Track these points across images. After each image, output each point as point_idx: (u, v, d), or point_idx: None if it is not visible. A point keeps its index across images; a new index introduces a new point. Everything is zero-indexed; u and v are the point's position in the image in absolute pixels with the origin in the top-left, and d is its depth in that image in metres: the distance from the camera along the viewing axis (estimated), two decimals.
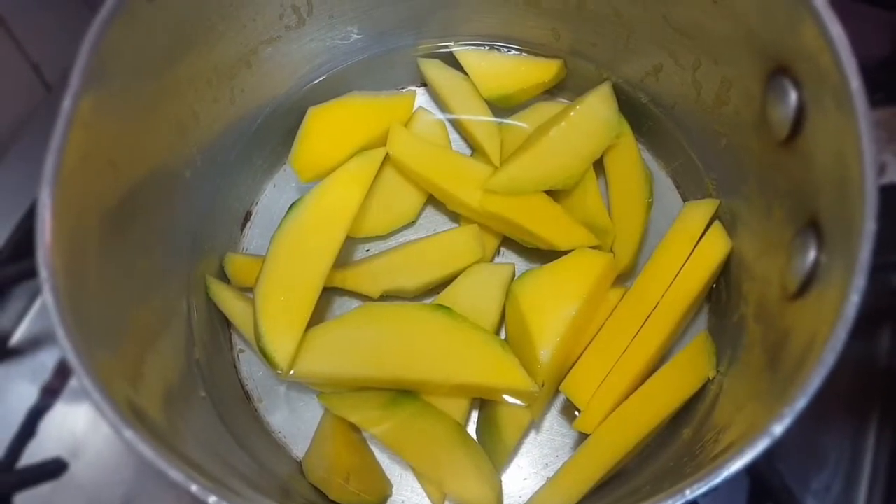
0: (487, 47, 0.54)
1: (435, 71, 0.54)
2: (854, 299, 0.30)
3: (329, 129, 0.51)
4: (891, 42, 0.59)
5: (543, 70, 0.53)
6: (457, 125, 0.55)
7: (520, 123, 0.54)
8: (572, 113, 0.49)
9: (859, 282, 0.30)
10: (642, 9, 0.45)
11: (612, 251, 0.50)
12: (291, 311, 0.46)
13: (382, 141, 0.51)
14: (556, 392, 0.47)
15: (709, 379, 0.46)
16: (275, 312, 0.46)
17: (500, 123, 0.53)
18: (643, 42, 0.48)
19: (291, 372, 0.46)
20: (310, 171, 0.50)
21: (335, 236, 0.48)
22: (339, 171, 0.50)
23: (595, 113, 0.50)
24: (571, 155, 0.50)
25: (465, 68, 0.53)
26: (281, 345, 0.45)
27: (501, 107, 0.53)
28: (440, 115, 0.55)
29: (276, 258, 0.47)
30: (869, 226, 0.30)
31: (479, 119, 0.53)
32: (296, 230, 0.48)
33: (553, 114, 0.52)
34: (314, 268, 0.47)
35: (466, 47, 0.54)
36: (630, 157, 0.51)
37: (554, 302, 0.46)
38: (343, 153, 0.50)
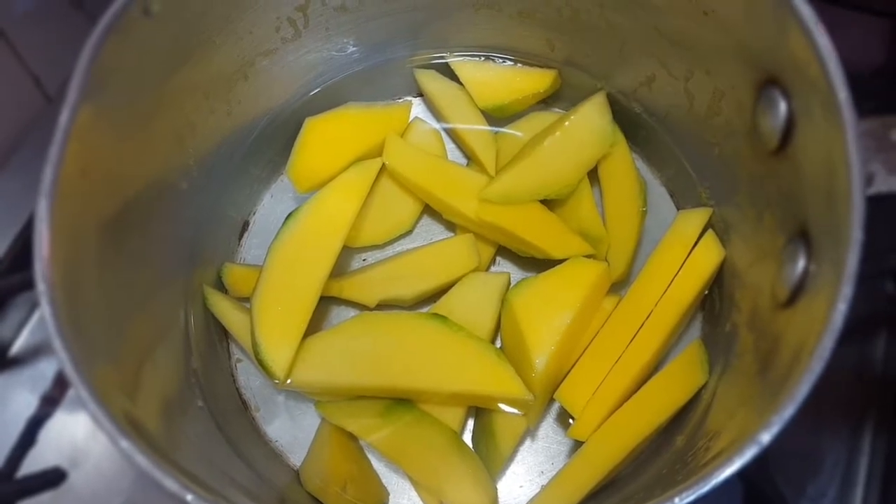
0: (482, 58, 0.54)
1: (430, 81, 0.54)
2: (841, 308, 0.30)
3: (326, 139, 0.51)
4: (884, 50, 0.60)
5: (538, 80, 0.53)
6: (452, 135, 0.55)
7: (515, 133, 0.54)
8: (567, 122, 0.50)
9: (846, 290, 0.30)
10: (634, 20, 0.46)
11: (606, 260, 0.50)
12: (288, 320, 0.46)
13: (379, 151, 0.52)
14: (552, 400, 0.47)
15: (702, 386, 0.46)
16: (272, 322, 0.46)
17: (496, 133, 0.54)
18: (636, 52, 0.48)
19: (288, 381, 0.46)
20: (307, 182, 0.51)
21: (332, 246, 0.48)
22: (336, 182, 0.50)
23: (589, 122, 0.50)
24: (566, 164, 0.50)
25: (460, 78, 0.54)
26: (278, 354, 0.46)
27: (497, 116, 0.54)
28: (436, 125, 0.55)
29: (274, 268, 0.47)
30: (856, 235, 0.31)
31: (474, 129, 0.53)
32: (293, 240, 0.48)
33: (548, 123, 0.52)
34: (311, 277, 0.47)
35: (462, 58, 0.54)
36: (624, 167, 0.52)
37: (549, 310, 0.46)
38: (340, 163, 0.51)
